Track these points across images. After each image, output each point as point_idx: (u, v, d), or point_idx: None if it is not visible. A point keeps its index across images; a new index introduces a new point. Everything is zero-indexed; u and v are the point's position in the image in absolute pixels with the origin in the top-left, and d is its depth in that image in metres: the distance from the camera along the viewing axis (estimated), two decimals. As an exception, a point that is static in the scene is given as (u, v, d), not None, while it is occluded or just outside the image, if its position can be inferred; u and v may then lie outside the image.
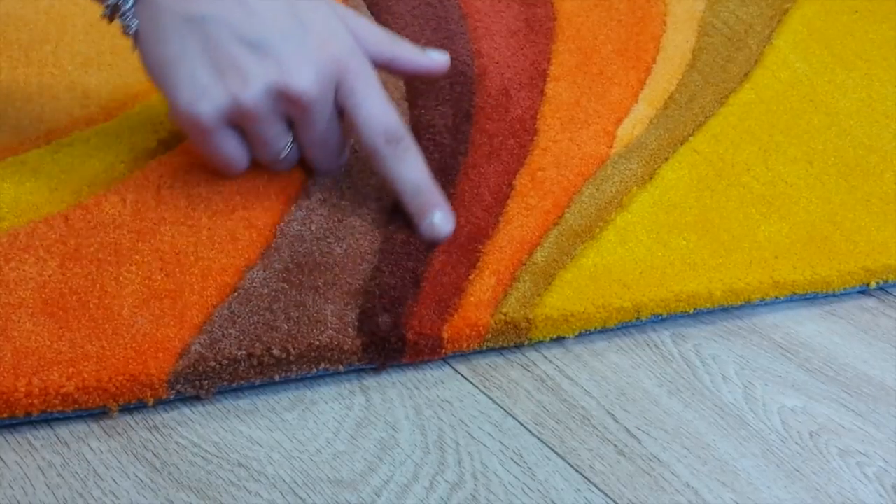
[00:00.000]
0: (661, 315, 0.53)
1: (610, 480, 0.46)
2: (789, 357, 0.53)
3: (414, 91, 0.64)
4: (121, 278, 0.49)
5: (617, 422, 0.49)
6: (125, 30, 0.51)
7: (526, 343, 0.52)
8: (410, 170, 0.53)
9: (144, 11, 0.51)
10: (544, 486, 0.45)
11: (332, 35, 0.52)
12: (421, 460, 0.46)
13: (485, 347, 0.51)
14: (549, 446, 0.47)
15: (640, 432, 0.48)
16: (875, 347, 0.55)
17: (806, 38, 0.76)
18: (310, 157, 0.55)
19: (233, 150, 0.53)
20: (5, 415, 0.44)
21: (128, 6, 0.51)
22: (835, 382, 0.52)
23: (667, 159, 0.62)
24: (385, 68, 0.56)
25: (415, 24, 0.71)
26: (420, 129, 0.61)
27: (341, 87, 0.52)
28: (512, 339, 0.51)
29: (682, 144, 0.64)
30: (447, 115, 0.63)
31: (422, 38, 0.69)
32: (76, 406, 0.45)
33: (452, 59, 0.67)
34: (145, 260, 0.51)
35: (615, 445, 0.48)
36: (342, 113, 0.53)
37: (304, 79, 0.50)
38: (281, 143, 0.53)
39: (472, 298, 0.51)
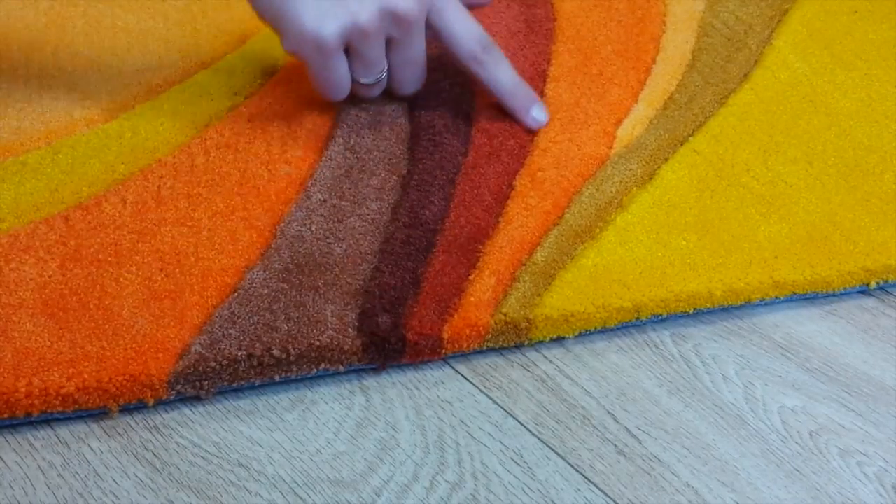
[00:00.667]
0: (661, 315, 0.53)
1: (610, 480, 0.46)
2: (789, 357, 0.53)
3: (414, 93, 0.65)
4: (121, 279, 0.49)
5: (617, 422, 0.49)
6: None
7: (526, 343, 0.52)
8: (506, 73, 0.62)
9: None
10: (544, 486, 0.45)
11: None
12: (421, 460, 0.46)
13: (485, 347, 0.51)
14: (549, 446, 0.47)
15: (640, 432, 0.48)
16: (875, 347, 0.55)
17: (805, 38, 0.76)
18: (399, 78, 0.62)
19: (344, 73, 0.59)
20: (5, 415, 0.44)
21: None
22: (835, 382, 0.52)
23: (666, 160, 0.62)
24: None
25: (415, 24, 0.71)
26: (420, 130, 0.61)
27: (433, 8, 0.59)
28: (512, 339, 0.51)
29: (681, 145, 0.64)
30: (447, 115, 0.63)
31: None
32: (76, 406, 0.45)
33: (453, 59, 0.67)
34: (145, 261, 0.51)
35: (615, 445, 0.48)
36: (430, 30, 0.60)
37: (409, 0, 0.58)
38: (381, 65, 0.60)
39: (472, 299, 0.51)
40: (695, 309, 0.54)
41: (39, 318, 0.47)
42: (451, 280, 0.52)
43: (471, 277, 0.52)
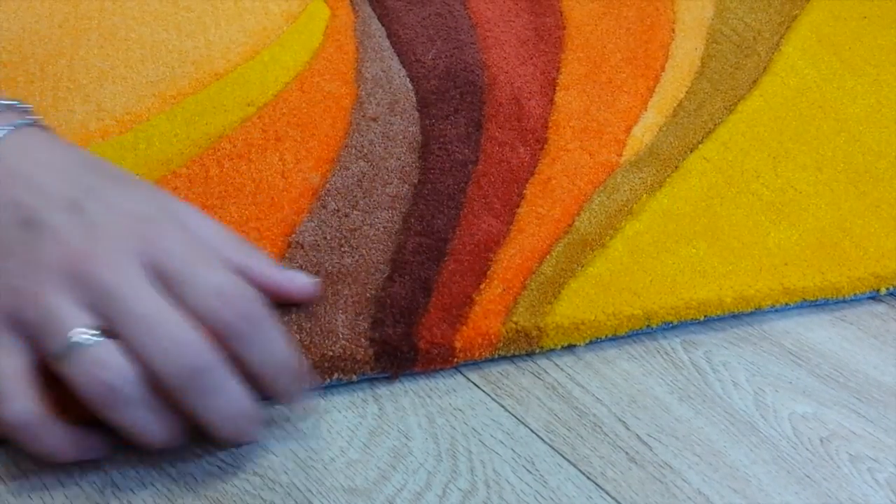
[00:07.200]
0: (671, 322, 0.54)
1: (622, 488, 0.46)
2: (800, 363, 0.54)
3: (424, 101, 0.65)
4: (136, 290, 0.50)
5: (628, 429, 0.49)
6: None
7: (537, 351, 0.52)
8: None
9: None
10: (556, 493, 0.46)
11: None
12: (434, 468, 0.46)
13: (496, 356, 0.51)
14: (560, 454, 0.47)
15: (651, 439, 0.49)
16: (885, 353, 0.55)
17: (815, 44, 0.76)
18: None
19: None
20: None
21: None
22: (845, 388, 0.52)
23: (676, 167, 0.63)
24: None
25: (424, 34, 0.71)
26: (430, 139, 0.62)
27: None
28: (523, 347, 0.51)
29: (691, 152, 0.64)
30: (458, 124, 0.63)
31: (432, 48, 0.70)
32: (93, 416, 0.45)
33: (462, 69, 0.68)
34: (160, 271, 0.51)
35: (626, 452, 0.48)
36: None
37: None
38: None
39: (482, 307, 0.51)
40: (705, 316, 0.54)
41: (57, 330, 0.47)
42: (462, 289, 0.52)
43: (482, 286, 0.52)
